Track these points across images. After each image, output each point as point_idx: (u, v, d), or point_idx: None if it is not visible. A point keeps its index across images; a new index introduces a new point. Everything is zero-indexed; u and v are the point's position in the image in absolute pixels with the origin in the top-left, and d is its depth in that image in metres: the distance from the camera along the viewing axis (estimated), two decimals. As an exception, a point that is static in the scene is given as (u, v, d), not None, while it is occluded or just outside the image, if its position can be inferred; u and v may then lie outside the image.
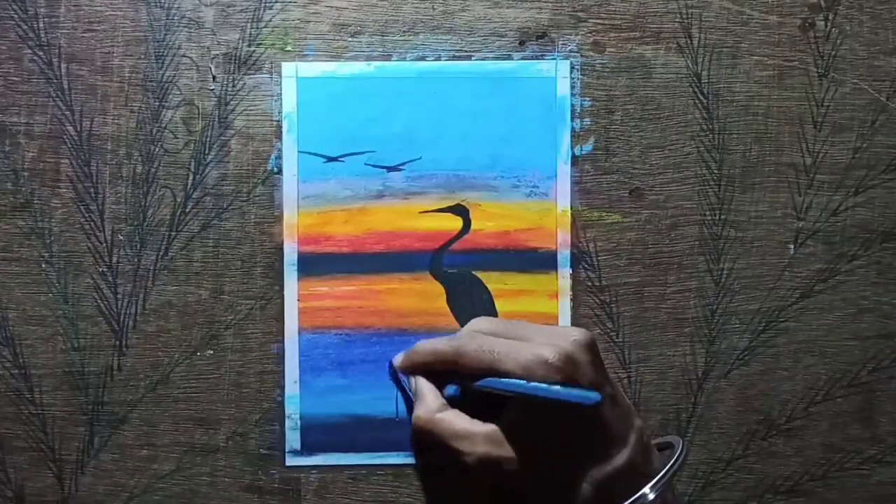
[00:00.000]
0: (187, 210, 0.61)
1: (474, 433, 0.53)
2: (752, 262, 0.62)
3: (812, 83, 0.62)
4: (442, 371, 0.56)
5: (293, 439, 0.61)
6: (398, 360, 0.59)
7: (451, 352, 0.55)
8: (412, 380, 0.58)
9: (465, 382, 0.55)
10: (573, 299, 0.61)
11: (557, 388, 0.50)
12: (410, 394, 0.58)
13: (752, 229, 0.62)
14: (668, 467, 0.52)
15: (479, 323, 0.57)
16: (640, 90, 0.62)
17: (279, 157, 0.61)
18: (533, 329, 0.55)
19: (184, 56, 0.61)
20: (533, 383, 0.51)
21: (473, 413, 0.54)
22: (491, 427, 0.53)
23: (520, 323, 0.57)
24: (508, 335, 0.55)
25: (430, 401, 0.56)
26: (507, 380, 0.52)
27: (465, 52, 0.62)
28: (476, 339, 0.55)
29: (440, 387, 0.57)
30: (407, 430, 0.60)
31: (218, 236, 0.61)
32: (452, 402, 0.56)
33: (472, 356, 0.54)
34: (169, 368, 0.61)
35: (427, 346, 0.57)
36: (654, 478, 0.52)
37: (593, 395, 0.49)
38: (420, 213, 0.61)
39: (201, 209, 0.61)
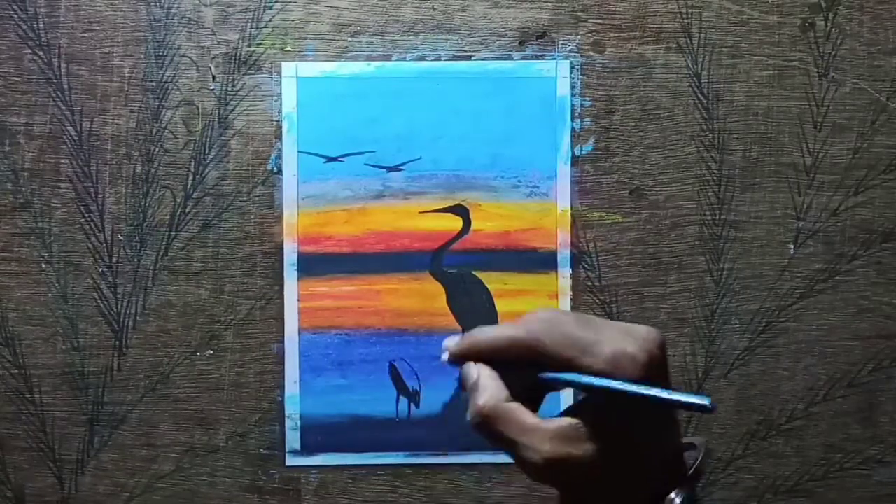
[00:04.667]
0: (187, 210, 0.61)
1: (543, 429, 0.50)
2: (752, 262, 0.62)
3: (812, 83, 0.62)
4: (501, 362, 0.54)
5: (293, 439, 0.61)
6: (452, 346, 0.55)
7: (529, 339, 0.52)
8: (469, 367, 0.54)
9: (548, 377, 0.52)
10: (573, 299, 0.61)
11: (671, 391, 0.48)
12: (457, 383, 0.55)
13: (752, 229, 0.62)
14: (694, 467, 0.51)
15: (548, 314, 0.53)
16: (640, 90, 0.62)
17: (279, 157, 0.61)
18: (604, 323, 0.52)
19: (184, 56, 0.61)
20: (644, 387, 0.49)
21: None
22: (562, 423, 0.50)
23: (587, 316, 0.54)
24: (584, 327, 0.52)
25: (496, 390, 0.52)
26: (606, 380, 0.49)
27: (465, 52, 0.62)
28: (557, 326, 0.52)
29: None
30: (407, 430, 0.60)
31: (218, 236, 0.61)
32: None
33: (553, 345, 0.51)
34: (169, 368, 0.61)
35: (495, 332, 0.54)
36: (685, 469, 0.52)
37: (707, 400, 0.47)
38: (420, 213, 0.61)
39: (201, 209, 0.61)
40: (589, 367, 0.51)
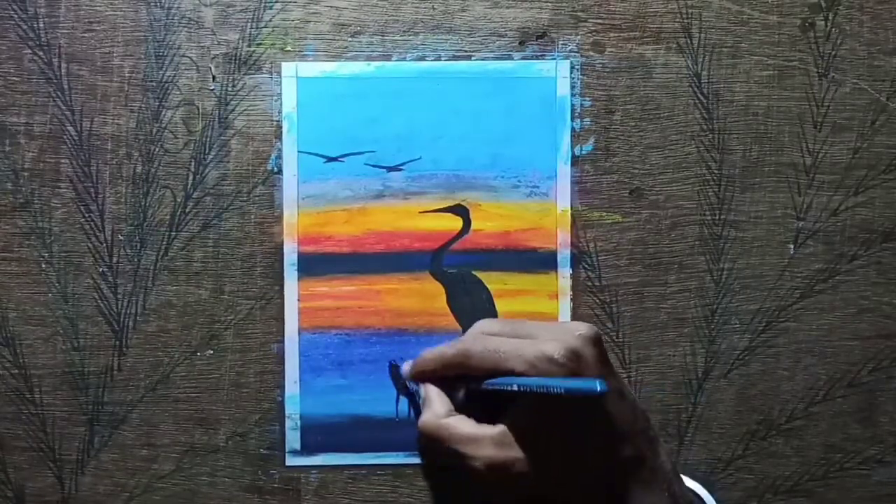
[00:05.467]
0: (187, 210, 0.61)
1: (480, 437, 0.53)
2: (752, 262, 0.62)
3: (812, 83, 0.62)
4: (451, 376, 0.57)
5: (293, 439, 0.61)
6: (407, 369, 0.59)
7: (457, 354, 0.55)
8: (422, 387, 0.58)
9: (473, 385, 0.55)
10: (573, 299, 0.61)
11: (561, 379, 0.50)
12: (420, 401, 0.58)
13: (752, 229, 0.62)
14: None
15: (483, 324, 0.57)
16: (640, 90, 0.62)
17: (279, 157, 0.61)
18: (538, 326, 0.55)
19: (184, 56, 0.61)
20: (537, 378, 0.51)
21: (486, 418, 0.54)
22: (497, 429, 0.53)
23: (524, 321, 0.57)
24: (513, 334, 0.55)
25: (436, 406, 0.56)
26: (511, 378, 0.52)
27: (465, 52, 0.62)
28: (481, 340, 0.55)
29: (450, 392, 0.57)
30: (407, 430, 0.60)
31: (218, 236, 0.61)
32: (463, 408, 0.56)
33: (478, 357, 0.54)
34: (169, 368, 0.61)
35: (433, 353, 0.57)
36: (662, 472, 0.52)
37: (597, 385, 0.49)
38: (420, 213, 0.61)
39: (201, 209, 0.61)
40: (513, 371, 0.54)
